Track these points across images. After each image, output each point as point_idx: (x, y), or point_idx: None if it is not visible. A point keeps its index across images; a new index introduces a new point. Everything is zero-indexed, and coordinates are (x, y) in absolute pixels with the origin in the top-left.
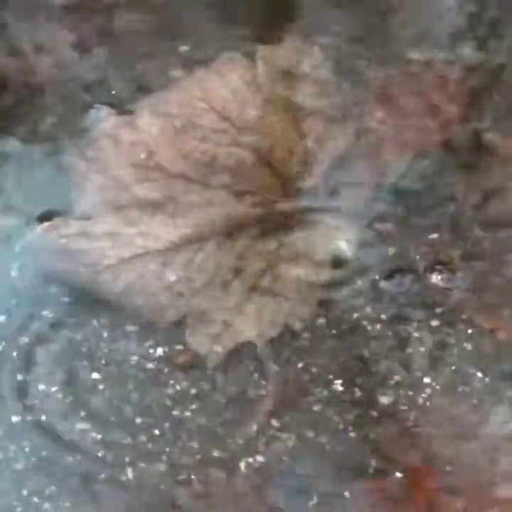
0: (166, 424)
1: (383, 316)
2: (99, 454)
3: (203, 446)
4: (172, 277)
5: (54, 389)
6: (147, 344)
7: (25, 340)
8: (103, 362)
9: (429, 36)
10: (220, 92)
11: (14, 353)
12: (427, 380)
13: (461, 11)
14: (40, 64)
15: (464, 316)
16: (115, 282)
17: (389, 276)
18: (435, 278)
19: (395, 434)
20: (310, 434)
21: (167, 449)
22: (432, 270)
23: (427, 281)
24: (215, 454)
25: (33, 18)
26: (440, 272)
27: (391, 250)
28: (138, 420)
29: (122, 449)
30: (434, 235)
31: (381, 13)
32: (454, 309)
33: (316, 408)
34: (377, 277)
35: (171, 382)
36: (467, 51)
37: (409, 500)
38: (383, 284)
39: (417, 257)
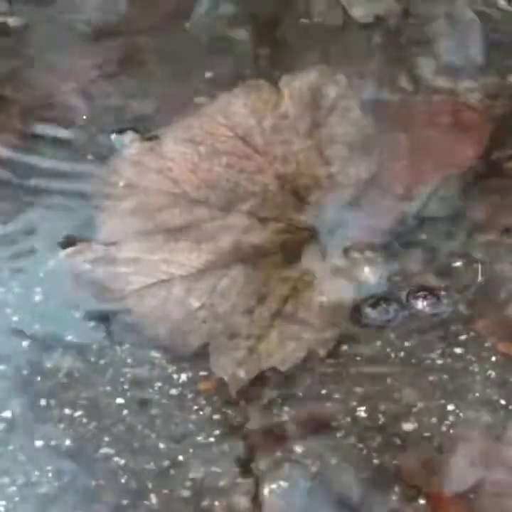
0: (190, 450)
1: (407, 343)
2: (123, 480)
3: (227, 472)
4: (196, 303)
5: (78, 414)
6: (171, 370)
7: (48, 365)
8: (127, 387)
9: (452, 65)
10: (244, 118)
11: (38, 378)
12: (450, 407)
13: (484, 41)
14: (65, 90)
15: (487, 344)
16: (139, 308)
17: (374, 304)
18: (420, 304)
19: (418, 461)
20: (333, 460)
21: (191, 475)
22: (416, 297)
23: (412, 308)
24: (239, 479)
25: (58, 44)
26: (424, 297)
27: (374, 278)
28: (161, 446)
29: (146, 474)
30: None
31: (405, 42)
32: (477, 337)
33: (339, 435)
34: (399, 305)
35: (195, 407)
36: (489, 79)
37: None
38: (369, 312)
39: (400, 284)
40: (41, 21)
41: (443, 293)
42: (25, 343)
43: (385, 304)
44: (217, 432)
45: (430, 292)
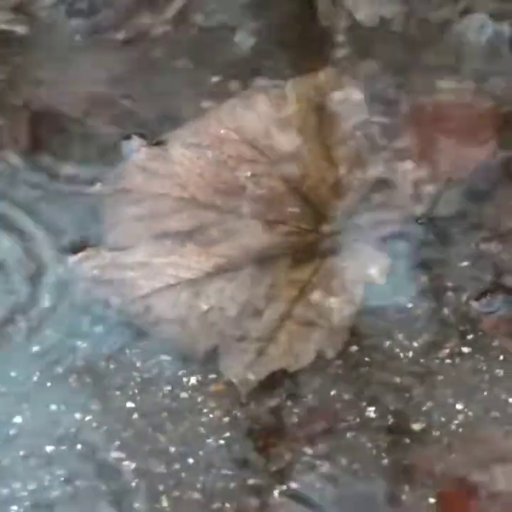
0: (200, 453)
1: (415, 344)
2: (134, 484)
3: (237, 474)
4: (204, 306)
5: (88, 418)
6: (180, 373)
7: (59, 370)
8: (137, 391)
9: (461, 66)
10: (251, 122)
11: (48, 383)
12: (459, 406)
13: (492, 43)
14: (73, 96)
15: (495, 343)
16: (148, 312)
17: (480, 296)
18: None
19: (428, 460)
20: (343, 461)
21: (201, 477)
22: None
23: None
24: (249, 481)
25: (63, 51)
26: None
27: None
28: (172, 449)
29: (156, 477)
30: None
31: (412, 42)
32: (485, 336)
33: (349, 435)
34: (410, 305)
35: (205, 410)
36: (497, 81)
37: None
38: (473, 304)
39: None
40: (45, 28)
41: None
42: (35, 349)
43: (491, 295)
44: (227, 435)
45: None
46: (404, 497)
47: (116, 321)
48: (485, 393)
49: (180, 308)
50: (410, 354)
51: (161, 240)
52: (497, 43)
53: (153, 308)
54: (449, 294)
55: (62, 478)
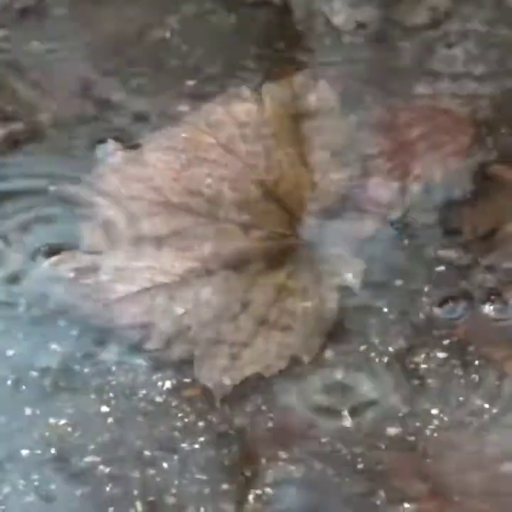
0: (175, 457)
1: (390, 349)
2: (108, 488)
3: (212, 479)
4: (179, 311)
5: (63, 422)
6: (155, 377)
7: (33, 373)
8: (111, 395)
9: (436, 70)
10: (227, 126)
11: (23, 387)
12: (434, 411)
13: (466, 47)
14: (48, 99)
15: (471, 348)
16: (123, 316)
17: (442, 302)
18: (488, 308)
19: (403, 466)
20: (318, 466)
21: (176, 482)
22: (486, 300)
23: (480, 310)
24: (224, 486)
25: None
26: (493, 302)
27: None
28: (146, 453)
29: (131, 482)
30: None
31: (388, 47)
32: (461, 341)
33: (324, 440)
34: (385, 309)
35: (180, 415)
36: (471, 84)
37: None
38: (436, 311)
39: (472, 285)
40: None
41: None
42: (10, 352)
43: (453, 303)
44: (201, 439)
45: (498, 297)
46: (378, 502)
47: (92, 324)
48: (460, 398)
49: (155, 312)
50: (386, 359)
51: (136, 244)
52: (472, 47)
53: (128, 312)
54: (425, 299)
55: (37, 483)
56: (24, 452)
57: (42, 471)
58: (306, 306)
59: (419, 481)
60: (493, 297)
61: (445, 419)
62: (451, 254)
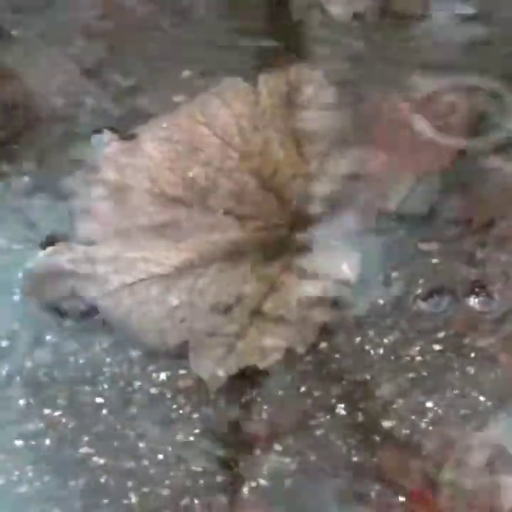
0: (169, 449)
1: (386, 340)
2: (102, 479)
3: (206, 471)
4: (174, 302)
5: (57, 413)
6: (150, 369)
7: (28, 364)
8: (106, 386)
9: (432, 62)
10: (223, 117)
11: (17, 378)
12: (429, 404)
13: (464, 38)
14: (44, 89)
15: (466, 340)
16: (118, 307)
17: (427, 296)
18: (472, 301)
19: (397, 458)
20: (312, 458)
21: (170, 473)
22: (471, 293)
23: (465, 303)
24: (218, 478)
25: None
26: (477, 294)
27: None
28: (141, 445)
29: (125, 473)
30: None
31: (385, 39)
32: (456, 333)
33: (318, 432)
34: (381, 301)
35: (174, 406)
36: (467, 78)
37: None
38: (421, 305)
39: (457, 278)
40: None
41: (497, 292)
42: (4, 343)
43: (438, 296)
44: (196, 431)
45: (483, 290)
46: (373, 495)
47: (86, 315)
48: (456, 391)
49: (150, 303)
50: (381, 351)
51: (131, 235)
52: (470, 38)
53: (122, 303)
54: (420, 290)
55: (31, 474)
56: (18, 443)
57: (36, 462)
58: (301, 298)
59: (413, 474)
60: (477, 290)
61: (440, 411)
62: (433, 246)
